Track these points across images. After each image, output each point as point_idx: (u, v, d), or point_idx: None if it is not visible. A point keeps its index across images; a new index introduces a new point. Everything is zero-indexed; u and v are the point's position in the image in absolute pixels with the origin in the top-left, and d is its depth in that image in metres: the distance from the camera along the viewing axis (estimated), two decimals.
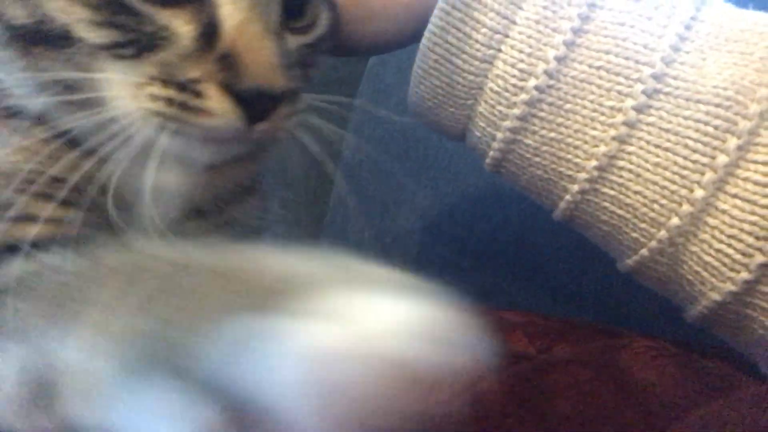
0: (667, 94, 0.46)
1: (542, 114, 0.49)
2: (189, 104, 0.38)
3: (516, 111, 0.50)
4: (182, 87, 0.38)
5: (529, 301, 0.67)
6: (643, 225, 0.49)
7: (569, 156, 0.49)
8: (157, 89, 0.38)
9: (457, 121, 0.55)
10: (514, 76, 0.49)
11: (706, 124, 0.46)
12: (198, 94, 0.38)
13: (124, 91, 0.39)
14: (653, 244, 0.49)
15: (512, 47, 0.49)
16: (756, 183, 0.45)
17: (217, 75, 0.38)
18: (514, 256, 0.69)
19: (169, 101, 0.38)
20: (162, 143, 0.39)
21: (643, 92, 0.46)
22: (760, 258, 0.45)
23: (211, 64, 0.38)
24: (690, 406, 0.39)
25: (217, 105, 0.38)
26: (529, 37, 0.48)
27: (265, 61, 0.39)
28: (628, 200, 0.49)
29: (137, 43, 0.38)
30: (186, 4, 0.39)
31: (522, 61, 0.49)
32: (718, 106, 0.45)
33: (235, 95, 0.38)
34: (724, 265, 0.47)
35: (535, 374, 0.43)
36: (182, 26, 0.39)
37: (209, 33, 0.39)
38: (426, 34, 0.52)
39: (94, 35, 0.38)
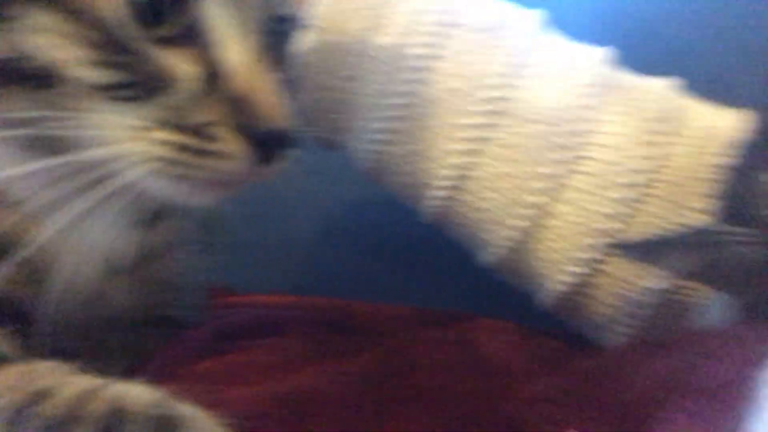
0: (509, 114, 0.54)
1: (404, 129, 0.55)
2: (202, 149, 0.36)
3: (381, 125, 0.56)
4: (194, 131, 0.37)
5: (410, 294, 0.74)
6: (496, 226, 0.56)
7: (430, 166, 0.56)
8: (166, 134, 0.36)
9: (334, 133, 0.60)
10: (379, 94, 0.55)
11: (543, 140, 0.53)
12: (211, 138, 0.37)
13: (123, 134, 0.37)
14: (505, 242, 0.56)
15: (374, 71, 0.55)
16: (583, 191, 0.53)
17: (231, 118, 0.37)
18: (394, 254, 0.76)
19: (182, 146, 0.36)
20: (157, 187, 0.38)
21: (490, 112, 0.53)
22: (589, 254, 0.53)
23: (222, 107, 0.37)
24: (530, 375, 0.46)
25: (233, 148, 0.37)
26: (390, 61, 0.54)
27: (276, 102, 0.38)
28: (482, 205, 0.56)
29: (139, 84, 0.36)
30: (189, 45, 0.37)
31: (384, 82, 0.55)
32: (552, 125, 0.53)
33: (250, 138, 0.37)
34: (564, 260, 0.55)
35: (402, 352, 0.49)
36: (186, 67, 0.37)
37: (215, 74, 0.37)
38: (305, 53, 0.57)
39: (90, 75, 0.36)
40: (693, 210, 0.51)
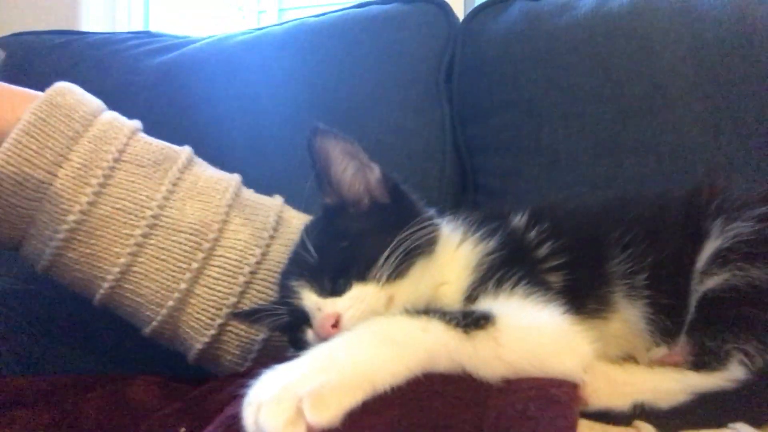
0: (161, 226, 0.76)
1: (80, 238, 0.73)
2: None
3: (61, 235, 0.72)
4: None
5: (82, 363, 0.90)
6: (152, 306, 0.77)
7: (101, 265, 0.74)
8: None
9: (11, 238, 0.74)
10: (55, 212, 0.72)
11: (186, 244, 0.77)
12: None
13: None
14: (159, 318, 0.77)
15: (55, 194, 0.72)
16: (214, 278, 0.77)
17: None
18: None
19: None
20: None
21: (147, 225, 0.75)
22: (218, 321, 0.77)
23: None
24: (163, 406, 0.65)
25: None
26: (68, 186, 0.72)
27: None
28: (142, 291, 0.76)
29: None
30: None
31: (61, 203, 0.73)
32: (192, 234, 0.77)
33: None
34: (201, 326, 0.78)
35: (71, 412, 0.65)
36: None
37: None
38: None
39: None
40: None
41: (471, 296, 0.60)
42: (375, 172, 0.65)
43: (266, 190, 0.95)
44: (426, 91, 1.07)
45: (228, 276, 0.77)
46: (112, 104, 0.83)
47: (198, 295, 0.77)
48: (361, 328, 0.51)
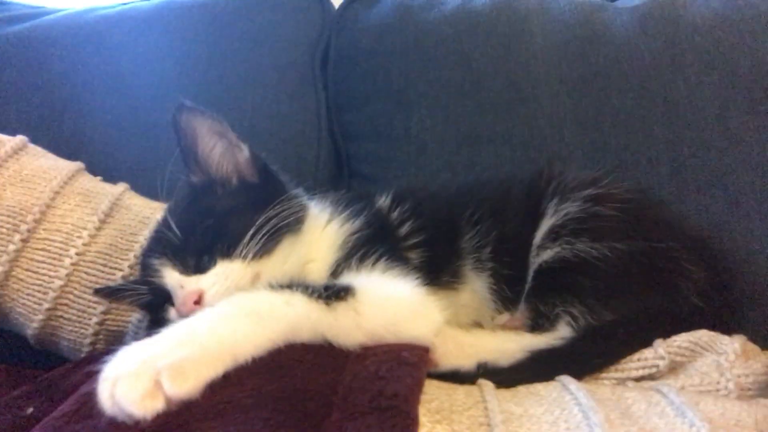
0: None
1: None
2: None
3: None
4: None
5: None
6: None
7: None
8: None
9: None
10: None
11: (3, 227, 0.73)
12: None
13: None
14: None
15: None
16: (37, 261, 0.74)
17: None
18: None
19: None
20: None
21: None
22: (45, 305, 0.74)
23: None
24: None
25: None
26: None
27: None
28: None
29: None
30: None
31: None
32: (8, 216, 0.73)
33: None
34: (29, 311, 0.74)
35: None
36: None
37: None
38: None
39: None
40: (118, 269, 0.75)
41: (336, 272, 0.63)
42: (244, 152, 0.66)
43: (131, 173, 0.91)
44: (301, 76, 1.08)
45: (52, 259, 0.74)
46: None
47: (21, 279, 0.74)
48: (223, 303, 0.51)
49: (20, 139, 0.80)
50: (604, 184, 0.70)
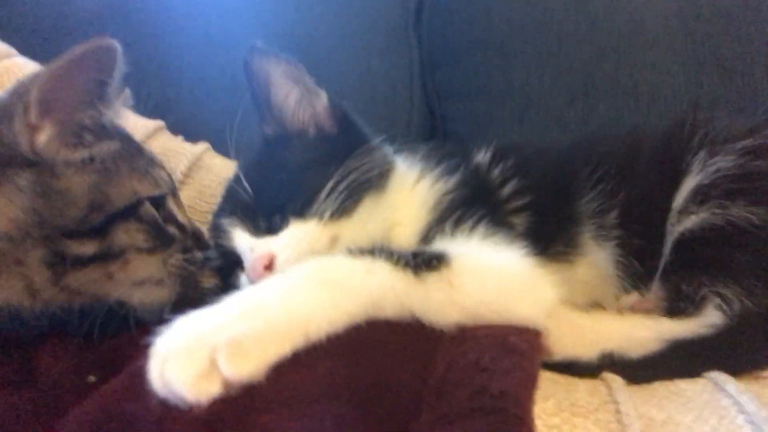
0: None
1: None
2: None
3: None
4: None
5: None
6: None
7: None
8: None
9: None
10: None
11: None
12: None
13: None
14: None
15: None
16: None
17: None
18: None
19: None
20: None
21: None
22: None
23: None
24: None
25: None
26: None
27: None
28: None
29: None
30: None
31: None
32: None
33: None
34: None
35: None
36: None
37: None
38: None
39: None
40: None
41: (426, 238, 0.54)
42: (322, 99, 0.58)
43: (216, 134, 0.87)
44: (393, 30, 1.00)
45: None
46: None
47: None
48: (296, 269, 0.44)
49: None
50: (766, 134, 0.55)
